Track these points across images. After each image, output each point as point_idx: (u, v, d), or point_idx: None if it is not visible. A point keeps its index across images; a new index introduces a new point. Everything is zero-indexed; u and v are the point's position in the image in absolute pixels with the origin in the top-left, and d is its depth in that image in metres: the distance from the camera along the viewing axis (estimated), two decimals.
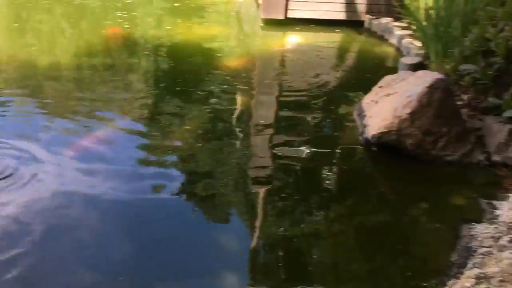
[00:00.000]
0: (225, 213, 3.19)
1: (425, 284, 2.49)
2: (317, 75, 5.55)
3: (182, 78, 5.23)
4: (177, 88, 4.99)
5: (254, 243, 2.86)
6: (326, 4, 7.33)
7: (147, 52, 6.05)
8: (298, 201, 3.24)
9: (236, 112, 4.56)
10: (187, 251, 2.73)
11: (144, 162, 3.59)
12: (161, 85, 5.16)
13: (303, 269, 2.65)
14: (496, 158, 3.61)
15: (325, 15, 7.33)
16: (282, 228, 2.95)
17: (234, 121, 4.37)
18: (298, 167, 3.67)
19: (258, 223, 3.03)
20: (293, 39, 7.09)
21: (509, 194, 3.21)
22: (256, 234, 2.93)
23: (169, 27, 7.14)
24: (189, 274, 2.57)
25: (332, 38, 7.11)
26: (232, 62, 5.86)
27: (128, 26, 7.02)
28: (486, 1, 4.10)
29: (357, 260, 2.77)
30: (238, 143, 4.00)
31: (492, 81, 3.81)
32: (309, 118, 4.51)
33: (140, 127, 4.13)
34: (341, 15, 7.39)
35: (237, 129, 4.24)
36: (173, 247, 2.75)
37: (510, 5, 3.63)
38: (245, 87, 5.16)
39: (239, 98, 4.89)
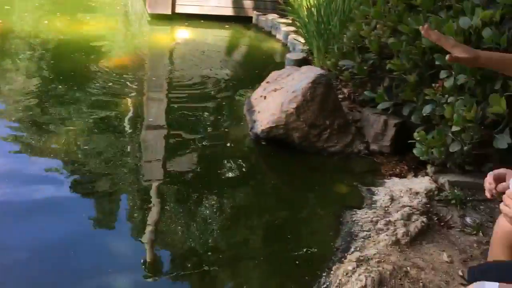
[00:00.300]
0: (120, 222, 3.06)
1: (313, 271, 2.61)
2: (207, 71, 5.56)
3: (64, 77, 4.92)
4: (60, 87, 4.68)
5: (149, 246, 2.80)
6: None
7: (24, 50, 5.61)
8: (193, 201, 3.23)
9: (125, 114, 4.40)
10: (80, 257, 2.59)
11: (20, 180, 3.22)
12: (39, 85, 4.75)
13: (199, 266, 2.65)
14: (374, 147, 3.91)
15: (213, 11, 7.38)
16: (179, 228, 2.93)
17: (122, 123, 4.20)
18: (191, 167, 3.66)
19: (153, 227, 2.96)
20: (182, 34, 7.03)
21: (385, 180, 3.49)
22: (152, 237, 2.88)
23: (48, 22, 6.69)
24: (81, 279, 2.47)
25: (221, 34, 7.17)
26: (119, 59, 5.66)
27: (0, 20, 6.46)
28: (360, 1, 4.39)
29: (249, 252, 2.84)
30: (128, 147, 3.83)
31: (367, 75, 4.10)
32: (200, 116, 4.51)
33: (14, 135, 3.74)
34: (229, 11, 7.49)
35: (127, 132, 4.06)
36: (66, 255, 2.60)
37: (379, 5, 3.92)
38: (134, 86, 5.00)
39: (127, 98, 4.71)
